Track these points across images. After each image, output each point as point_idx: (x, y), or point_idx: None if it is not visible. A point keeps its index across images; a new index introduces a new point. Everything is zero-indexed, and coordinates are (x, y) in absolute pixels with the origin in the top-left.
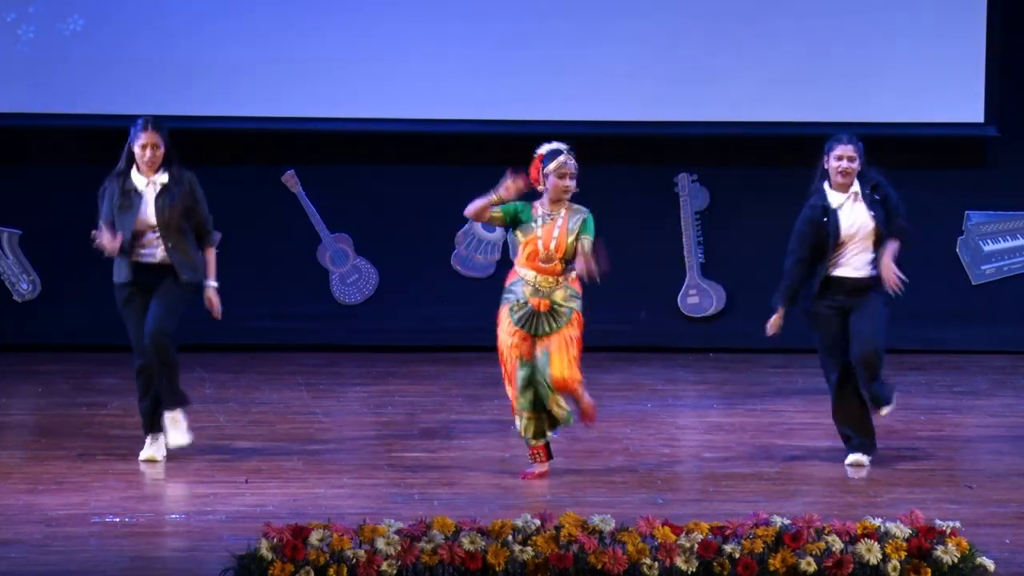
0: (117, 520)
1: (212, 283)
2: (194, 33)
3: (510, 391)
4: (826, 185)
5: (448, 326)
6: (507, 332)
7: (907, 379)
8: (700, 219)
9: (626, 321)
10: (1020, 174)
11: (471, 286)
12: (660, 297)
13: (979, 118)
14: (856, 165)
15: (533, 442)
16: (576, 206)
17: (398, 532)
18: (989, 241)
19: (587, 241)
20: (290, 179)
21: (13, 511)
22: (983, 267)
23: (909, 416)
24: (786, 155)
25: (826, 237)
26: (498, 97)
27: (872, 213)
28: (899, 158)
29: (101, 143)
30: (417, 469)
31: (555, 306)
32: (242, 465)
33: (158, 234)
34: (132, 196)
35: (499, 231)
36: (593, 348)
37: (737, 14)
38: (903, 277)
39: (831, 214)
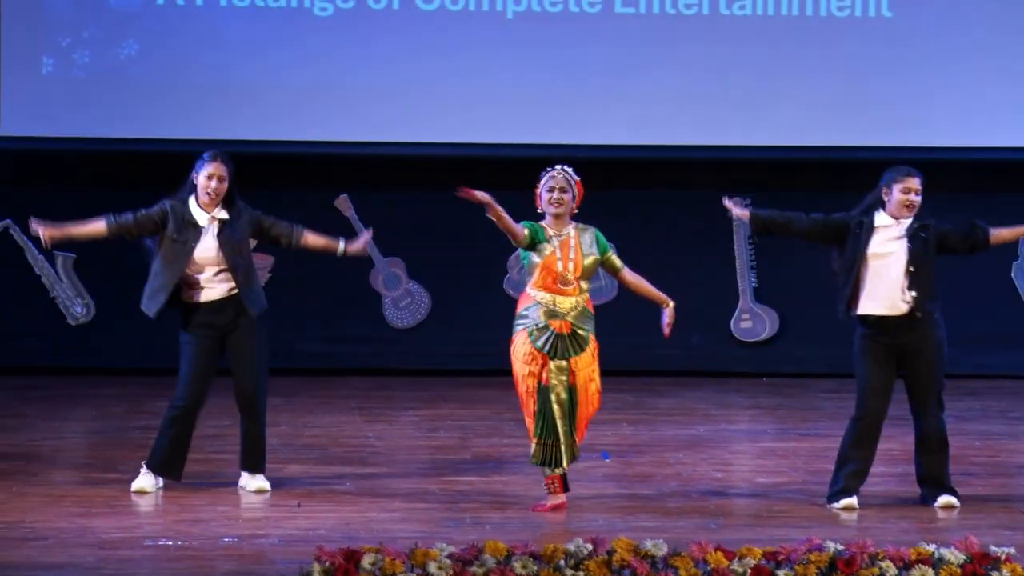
0: (170, 544)
1: (343, 243)
2: (247, 59)
3: (527, 420)
4: (880, 210)
5: (500, 350)
6: (523, 360)
7: (961, 404)
8: (753, 244)
9: (678, 345)
10: None
11: None
12: (713, 321)
13: None
14: (920, 199)
15: (548, 471)
16: (581, 225)
17: (450, 556)
18: None
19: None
20: (343, 203)
21: (67, 534)
22: None
23: (964, 442)
24: (840, 179)
25: (853, 247)
26: (551, 123)
27: (909, 245)
28: (954, 182)
29: (154, 167)
30: (469, 493)
31: (575, 329)
32: (294, 489)
33: (218, 269)
34: (190, 231)
35: None
36: (645, 372)
37: (791, 39)
38: None
39: (867, 229)
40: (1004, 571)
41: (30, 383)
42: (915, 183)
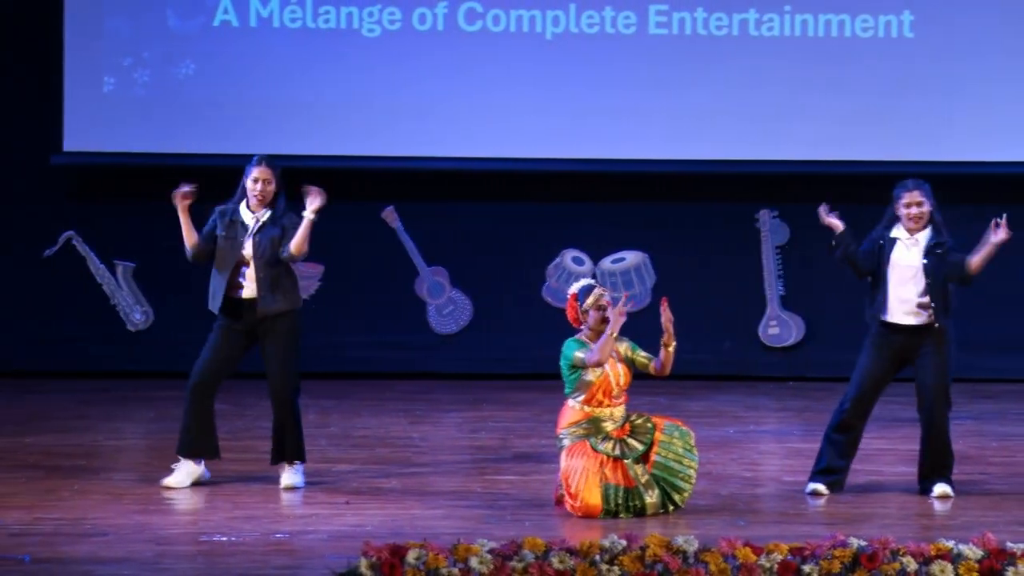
0: (224, 539)
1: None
2: (299, 77)
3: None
4: (898, 224)
5: (539, 355)
6: (593, 469)
7: (979, 407)
8: (780, 253)
9: (710, 351)
10: None
11: (562, 317)
12: (742, 328)
13: None
14: (926, 208)
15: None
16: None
17: (491, 552)
18: None
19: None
20: (389, 215)
21: (126, 530)
22: None
23: (982, 443)
24: (863, 192)
25: (877, 265)
26: (588, 138)
27: (924, 260)
28: (971, 195)
29: (212, 180)
30: (509, 492)
31: (632, 426)
32: (343, 487)
33: (251, 268)
34: (238, 228)
35: (588, 264)
36: (678, 377)
37: (816, 58)
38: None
39: (887, 242)
40: (1020, 566)
41: (92, 386)
42: (913, 196)
